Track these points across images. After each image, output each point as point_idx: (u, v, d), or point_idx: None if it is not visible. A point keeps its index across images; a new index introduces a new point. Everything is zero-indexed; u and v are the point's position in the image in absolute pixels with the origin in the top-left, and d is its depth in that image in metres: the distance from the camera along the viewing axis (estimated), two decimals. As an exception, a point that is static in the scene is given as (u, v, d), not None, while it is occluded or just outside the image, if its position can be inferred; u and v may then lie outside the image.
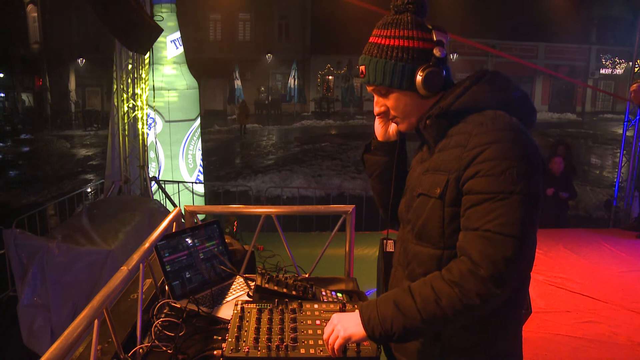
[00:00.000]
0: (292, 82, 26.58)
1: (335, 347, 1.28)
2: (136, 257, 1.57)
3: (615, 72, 29.00)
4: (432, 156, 1.31)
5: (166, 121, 6.75)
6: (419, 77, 1.27)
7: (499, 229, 1.11)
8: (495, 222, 1.12)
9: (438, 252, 1.26)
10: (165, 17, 6.27)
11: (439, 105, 1.28)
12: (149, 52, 5.36)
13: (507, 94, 1.26)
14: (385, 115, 1.39)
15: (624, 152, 7.08)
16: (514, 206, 1.11)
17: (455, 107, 1.25)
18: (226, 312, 1.72)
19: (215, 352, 1.45)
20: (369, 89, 1.35)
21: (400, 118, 1.35)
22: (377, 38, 1.31)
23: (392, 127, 1.48)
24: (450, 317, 1.14)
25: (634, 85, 5.69)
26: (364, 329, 1.23)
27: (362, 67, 1.34)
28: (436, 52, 1.26)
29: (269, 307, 1.58)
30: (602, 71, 29.59)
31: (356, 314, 1.27)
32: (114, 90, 5.75)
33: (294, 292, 1.73)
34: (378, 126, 1.50)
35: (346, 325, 1.27)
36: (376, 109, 1.38)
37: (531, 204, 1.13)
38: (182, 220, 2.31)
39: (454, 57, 25.28)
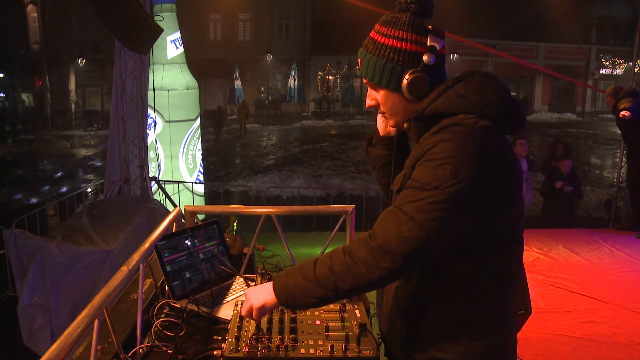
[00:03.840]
0: (292, 82, 26.58)
1: (254, 316, 1.32)
2: (136, 257, 1.57)
3: (615, 72, 28.99)
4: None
5: (166, 121, 6.75)
6: (404, 81, 1.28)
7: (407, 210, 1.14)
8: (409, 205, 1.15)
9: None
10: (165, 17, 6.27)
11: (415, 109, 1.30)
12: (149, 52, 5.36)
13: (482, 97, 1.23)
14: (376, 109, 1.42)
15: (624, 152, 7.08)
16: (431, 199, 1.13)
17: (428, 111, 1.26)
18: (226, 312, 1.72)
19: (215, 352, 1.45)
20: (364, 81, 1.39)
21: (388, 115, 1.39)
22: (375, 34, 1.33)
23: None
24: (341, 285, 1.17)
25: (609, 88, 5.76)
26: (275, 296, 1.28)
27: (359, 59, 1.37)
28: (425, 58, 1.27)
29: (269, 307, 1.58)
30: (602, 71, 29.57)
31: (267, 285, 1.32)
32: (114, 90, 5.74)
33: (294, 292, 1.73)
34: (380, 121, 1.53)
35: (257, 296, 1.32)
36: (368, 101, 1.41)
37: (452, 206, 1.12)
38: (182, 220, 2.31)
39: (454, 57, 25.26)
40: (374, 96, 1.38)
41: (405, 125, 1.34)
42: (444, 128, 1.20)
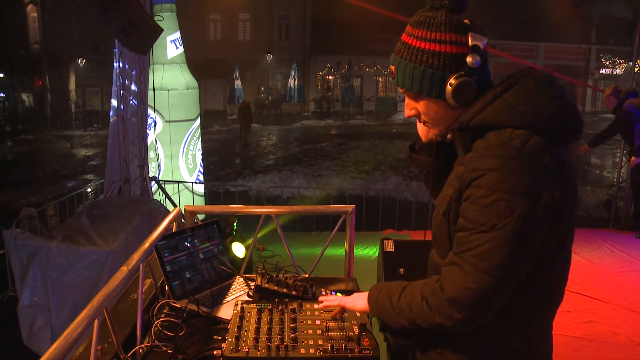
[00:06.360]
0: (292, 82, 26.58)
1: (336, 310, 1.50)
2: (136, 257, 1.57)
3: (615, 72, 29.00)
4: (458, 166, 1.26)
5: (166, 121, 6.75)
6: (448, 87, 1.17)
7: (470, 260, 1.09)
8: (471, 253, 1.10)
9: None
10: (165, 17, 6.27)
11: (459, 119, 1.20)
12: (149, 52, 5.36)
13: (534, 108, 1.12)
14: (417, 118, 1.31)
15: (624, 152, 7.08)
16: (492, 243, 1.07)
17: (473, 123, 1.16)
18: (226, 312, 1.72)
19: (215, 352, 1.45)
20: (400, 90, 1.28)
21: (431, 124, 1.29)
22: (408, 37, 1.21)
23: None
24: (419, 323, 1.20)
25: (608, 89, 5.77)
26: (368, 304, 1.36)
27: (392, 67, 1.26)
28: (469, 60, 1.15)
29: (269, 307, 1.59)
30: (602, 71, 29.59)
31: (365, 294, 1.40)
32: (114, 90, 5.74)
33: (294, 292, 1.73)
34: (420, 127, 1.39)
35: (352, 298, 1.45)
36: (407, 111, 1.30)
37: (515, 243, 1.06)
38: (182, 220, 2.31)
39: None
40: (412, 105, 1.27)
41: (448, 137, 1.25)
42: (489, 146, 1.11)
